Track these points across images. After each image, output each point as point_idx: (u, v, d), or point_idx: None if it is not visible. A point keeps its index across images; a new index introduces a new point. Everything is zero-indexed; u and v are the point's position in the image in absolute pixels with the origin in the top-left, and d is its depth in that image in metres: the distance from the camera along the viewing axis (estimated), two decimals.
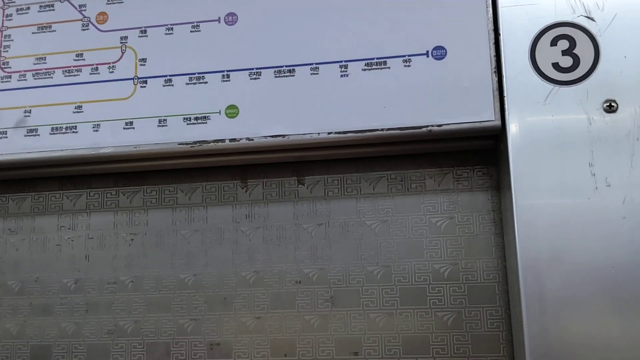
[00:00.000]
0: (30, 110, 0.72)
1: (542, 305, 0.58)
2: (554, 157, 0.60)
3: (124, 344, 0.73)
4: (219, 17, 0.70)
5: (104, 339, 0.73)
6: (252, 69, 0.68)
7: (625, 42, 0.61)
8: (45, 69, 0.72)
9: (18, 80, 0.73)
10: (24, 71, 0.73)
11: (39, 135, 0.71)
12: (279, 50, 0.68)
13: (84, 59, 0.72)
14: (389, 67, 0.66)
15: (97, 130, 0.70)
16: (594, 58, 0.61)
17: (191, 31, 0.70)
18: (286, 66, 0.67)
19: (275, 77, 0.67)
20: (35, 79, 0.72)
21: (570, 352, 0.57)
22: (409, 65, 0.65)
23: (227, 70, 0.68)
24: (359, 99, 0.66)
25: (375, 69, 0.66)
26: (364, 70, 0.66)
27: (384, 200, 0.71)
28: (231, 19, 0.69)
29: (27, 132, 0.71)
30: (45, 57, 0.73)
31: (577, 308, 0.58)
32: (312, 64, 0.67)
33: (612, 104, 0.60)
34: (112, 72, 0.71)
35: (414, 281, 0.69)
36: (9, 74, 0.73)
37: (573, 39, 0.62)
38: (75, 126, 0.70)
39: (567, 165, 0.60)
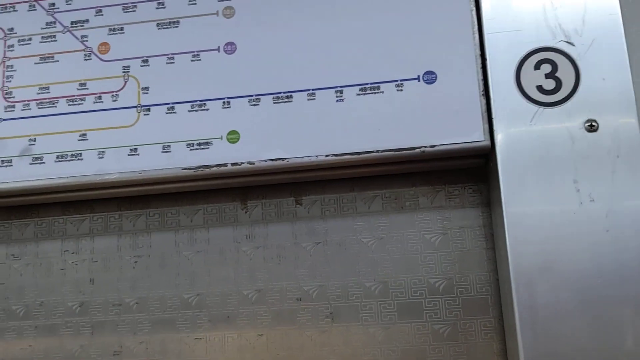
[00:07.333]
0: (35, 139, 0.74)
1: (534, 314, 0.61)
2: (541, 174, 0.64)
3: None
4: (219, 47, 0.73)
5: None
6: (252, 95, 0.71)
7: (603, 65, 0.65)
8: (49, 98, 0.75)
9: (22, 110, 0.75)
10: (28, 100, 0.75)
11: (44, 163, 0.73)
12: (277, 77, 0.71)
13: (87, 88, 0.74)
14: (383, 92, 0.69)
15: (102, 157, 0.72)
16: (575, 81, 0.65)
17: (192, 60, 0.73)
18: (284, 92, 0.71)
19: (274, 103, 0.70)
20: (39, 108, 0.74)
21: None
22: (401, 90, 0.69)
23: (228, 98, 0.71)
24: (355, 122, 0.69)
25: (370, 93, 0.69)
26: (359, 95, 0.69)
27: (379, 218, 0.74)
28: (230, 48, 0.72)
29: (33, 160, 0.73)
30: (48, 87, 0.75)
31: (567, 317, 0.61)
32: (308, 89, 0.70)
33: (593, 123, 0.64)
34: (115, 100, 0.73)
35: (411, 295, 0.72)
36: (13, 104, 0.75)
37: (555, 62, 0.66)
38: (80, 153, 0.72)
39: (553, 181, 0.63)
